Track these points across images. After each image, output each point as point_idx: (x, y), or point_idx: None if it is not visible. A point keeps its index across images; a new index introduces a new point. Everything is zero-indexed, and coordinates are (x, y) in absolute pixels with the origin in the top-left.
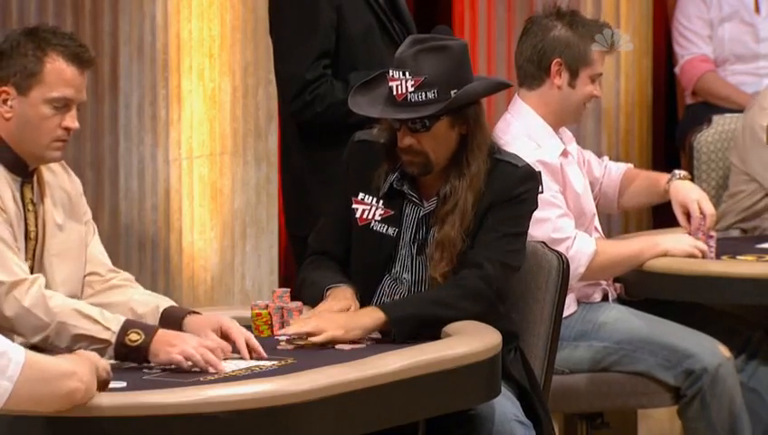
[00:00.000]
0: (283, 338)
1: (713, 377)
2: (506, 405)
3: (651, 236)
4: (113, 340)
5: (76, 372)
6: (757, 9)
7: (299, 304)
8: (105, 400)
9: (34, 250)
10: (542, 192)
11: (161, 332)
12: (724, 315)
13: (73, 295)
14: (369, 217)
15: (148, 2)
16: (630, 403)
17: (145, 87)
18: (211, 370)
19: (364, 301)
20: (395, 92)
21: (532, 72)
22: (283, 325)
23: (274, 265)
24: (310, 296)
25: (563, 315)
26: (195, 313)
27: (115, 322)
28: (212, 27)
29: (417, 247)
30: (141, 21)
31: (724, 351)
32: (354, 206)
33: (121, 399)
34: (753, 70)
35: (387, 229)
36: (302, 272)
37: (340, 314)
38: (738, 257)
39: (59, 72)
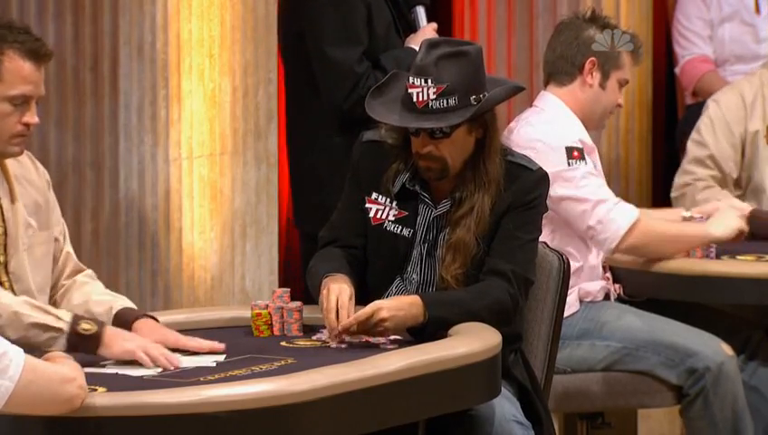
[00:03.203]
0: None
1: (716, 375)
2: (506, 405)
3: (700, 225)
4: (66, 329)
5: (76, 378)
6: (757, 9)
7: (299, 303)
8: (105, 400)
9: (5, 245)
10: (586, 164)
11: (111, 328)
12: (724, 315)
13: (44, 290)
14: (383, 217)
15: (148, 2)
16: (632, 403)
17: (145, 87)
18: (169, 365)
19: (372, 299)
20: (415, 99)
21: (565, 69)
22: (283, 325)
23: (274, 265)
24: (311, 285)
25: (565, 315)
26: (149, 316)
27: (65, 313)
28: (212, 27)
29: (427, 248)
30: (141, 21)
31: (726, 349)
32: (368, 205)
33: (121, 399)
34: (753, 70)
35: (401, 230)
36: (311, 262)
37: (393, 303)
38: (738, 257)
39: (17, 70)
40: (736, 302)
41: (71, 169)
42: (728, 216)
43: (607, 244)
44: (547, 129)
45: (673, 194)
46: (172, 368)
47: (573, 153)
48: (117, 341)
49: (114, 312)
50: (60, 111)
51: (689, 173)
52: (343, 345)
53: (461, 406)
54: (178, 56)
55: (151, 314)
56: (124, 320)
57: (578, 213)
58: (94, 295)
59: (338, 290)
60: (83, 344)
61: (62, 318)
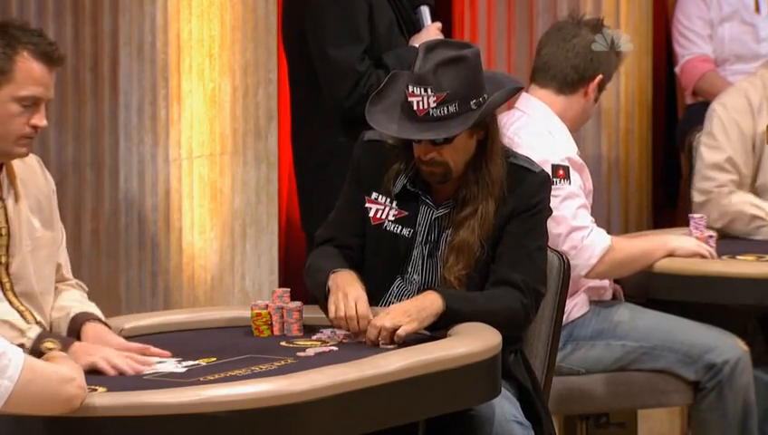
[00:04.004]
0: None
1: (732, 369)
2: (506, 405)
3: (658, 236)
4: (29, 345)
5: (75, 378)
6: (757, 9)
7: (299, 303)
8: (105, 400)
9: (7, 246)
10: (569, 184)
11: (78, 343)
12: (720, 306)
13: (49, 291)
14: (383, 216)
15: (148, 2)
16: (649, 402)
17: (145, 87)
18: (131, 371)
19: (373, 300)
20: (416, 108)
21: (572, 79)
22: (283, 325)
23: (274, 265)
24: (314, 282)
25: (577, 316)
26: (99, 321)
27: (34, 330)
28: (212, 27)
29: (428, 249)
30: (141, 21)
31: (741, 344)
32: (367, 205)
33: (121, 399)
34: (753, 70)
35: (401, 230)
36: (309, 260)
37: (407, 304)
38: (738, 257)
39: (29, 71)
40: (736, 302)
41: (71, 169)
42: (689, 239)
43: (577, 270)
44: (534, 142)
45: (697, 199)
46: (132, 373)
47: (558, 172)
48: (81, 355)
49: (71, 317)
50: (60, 111)
51: (710, 179)
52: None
53: (461, 406)
54: (178, 56)
55: (103, 319)
56: (76, 323)
57: (553, 235)
58: (60, 301)
59: (355, 296)
60: None
61: (26, 334)
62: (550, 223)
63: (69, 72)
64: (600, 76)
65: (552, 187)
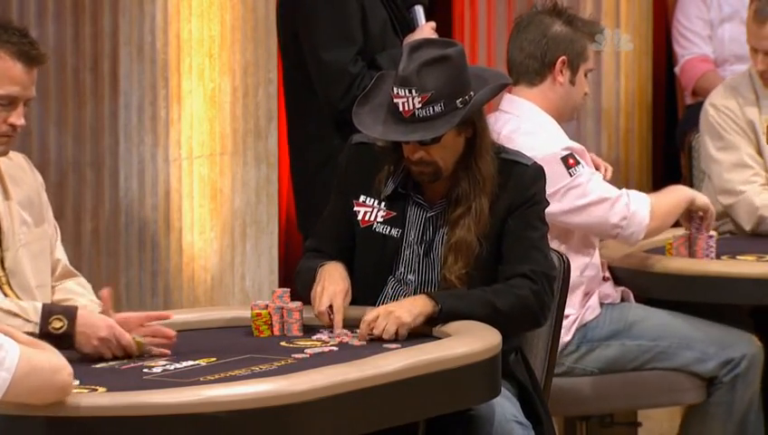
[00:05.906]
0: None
1: (750, 363)
2: (506, 405)
3: (675, 188)
4: (37, 331)
5: (66, 365)
6: None
7: (299, 303)
8: (105, 400)
9: (0, 241)
10: (583, 167)
11: (80, 316)
12: (724, 306)
13: (46, 284)
14: (371, 218)
15: (148, 2)
16: (662, 401)
17: (145, 87)
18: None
19: (367, 302)
20: (401, 109)
21: (534, 69)
22: (283, 325)
23: (274, 265)
24: (304, 282)
25: (590, 318)
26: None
27: (34, 312)
28: (212, 27)
29: (424, 249)
30: (141, 21)
31: (756, 341)
32: (356, 208)
33: (121, 399)
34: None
35: (390, 231)
36: (298, 266)
37: (396, 304)
38: (738, 257)
39: (5, 70)
40: (736, 302)
41: (71, 169)
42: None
43: (634, 237)
44: (532, 142)
45: (725, 201)
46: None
47: (569, 161)
48: (86, 340)
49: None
50: (60, 112)
51: (735, 180)
52: (359, 342)
53: (461, 406)
54: (178, 56)
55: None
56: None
57: (599, 215)
58: (68, 295)
59: (332, 291)
60: (58, 343)
61: (31, 320)
62: (591, 209)
63: (69, 72)
64: (563, 58)
65: (572, 177)
